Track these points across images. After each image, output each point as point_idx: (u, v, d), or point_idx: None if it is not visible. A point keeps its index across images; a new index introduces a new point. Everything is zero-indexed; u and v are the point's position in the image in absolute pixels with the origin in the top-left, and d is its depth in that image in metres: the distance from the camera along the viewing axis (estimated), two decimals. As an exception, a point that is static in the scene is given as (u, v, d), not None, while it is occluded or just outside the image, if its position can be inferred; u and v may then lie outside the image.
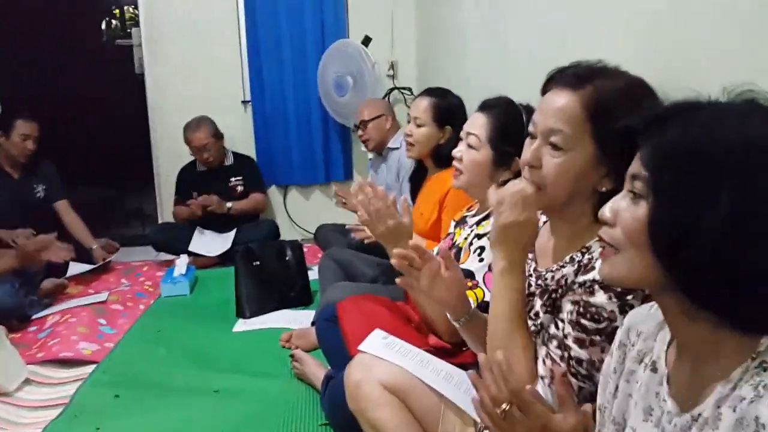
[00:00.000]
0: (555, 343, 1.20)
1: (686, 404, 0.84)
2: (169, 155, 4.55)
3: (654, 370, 0.93)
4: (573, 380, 1.16)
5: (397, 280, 1.46)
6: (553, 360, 1.19)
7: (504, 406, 0.98)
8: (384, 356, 1.68)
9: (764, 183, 0.73)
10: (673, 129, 0.79)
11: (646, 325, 0.98)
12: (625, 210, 0.83)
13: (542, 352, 1.23)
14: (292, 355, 2.55)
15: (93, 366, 2.73)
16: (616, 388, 1.00)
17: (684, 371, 0.86)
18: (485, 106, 1.89)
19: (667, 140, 0.79)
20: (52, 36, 4.80)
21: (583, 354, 1.15)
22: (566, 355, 1.16)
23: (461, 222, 2.01)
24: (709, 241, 0.73)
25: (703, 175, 0.75)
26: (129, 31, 4.76)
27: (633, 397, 0.96)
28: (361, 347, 1.74)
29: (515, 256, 1.25)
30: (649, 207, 0.79)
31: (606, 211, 0.87)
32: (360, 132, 3.57)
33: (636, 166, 0.82)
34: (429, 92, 2.72)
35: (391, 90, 4.56)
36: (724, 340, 0.79)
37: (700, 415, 0.80)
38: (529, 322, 1.30)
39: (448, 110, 2.60)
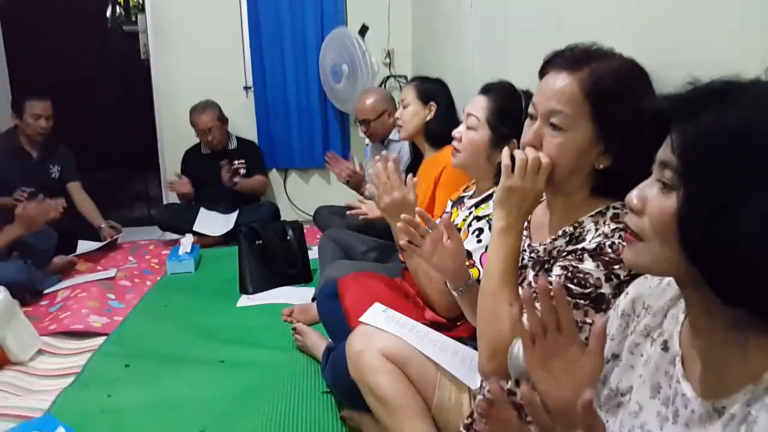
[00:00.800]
0: None
1: (705, 391, 0.80)
2: (174, 139, 4.63)
3: (665, 348, 0.89)
4: None
5: (401, 242, 1.53)
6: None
7: None
8: (384, 327, 1.74)
9: None
10: (710, 113, 0.70)
11: (655, 299, 0.95)
12: (653, 199, 0.77)
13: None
14: (294, 328, 2.62)
15: (103, 338, 2.80)
16: (615, 355, 0.99)
17: (703, 358, 0.81)
18: (486, 89, 1.93)
19: (703, 125, 0.71)
20: (58, 23, 4.86)
21: None
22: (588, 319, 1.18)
23: (458, 202, 2.05)
24: (746, 239, 0.66)
25: (742, 165, 0.67)
26: (134, 18, 4.82)
27: (636, 370, 0.94)
28: (361, 319, 1.81)
29: (514, 218, 1.28)
30: (680, 199, 0.72)
31: (633, 198, 0.80)
32: (363, 128, 3.53)
33: (666, 153, 0.75)
34: (412, 79, 2.95)
35: (388, 78, 4.65)
36: (752, 337, 0.73)
37: (724, 408, 0.76)
38: (521, 292, 1.32)
39: (429, 88, 2.74)
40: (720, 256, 0.69)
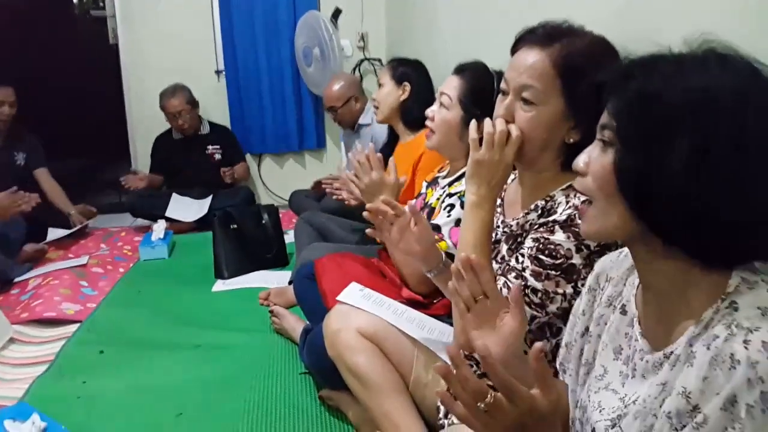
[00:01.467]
0: (513, 274, 1.26)
1: (658, 343, 0.87)
2: (144, 124, 4.56)
3: (623, 312, 0.96)
4: (526, 308, 1.22)
5: (368, 231, 1.54)
6: (509, 288, 1.23)
7: (488, 398, 0.82)
8: (361, 306, 1.76)
9: (720, 125, 0.76)
10: (637, 80, 0.82)
11: (615, 270, 1.02)
12: (595, 158, 0.86)
13: (500, 281, 1.27)
14: (271, 311, 2.61)
15: (76, 325, 2.77)
16: (587, 330, 1.04)
17: (653, 313, 0.89)
18: (459, 69, 1.95)
19: (631, 90, 0.82)
20: (24, 7, 4.76)
21: (538, 285, 1.22)
22: (522, 284, 1.23)
23: (433, 182, 2.08)
24: (671, 182, 0.77)
25: (663, 121, 0.78)
26: (101, 3, 4.73)
27: (602, 339, 0.99)
28: (338, 298, 1.81)
29: (483, 191, 1.30)
30: (616, 154, 0.83)
31: (579, 161, 0.89)
32: (331, 115, 3.55)
33: (605, 117, 0.86)
34: (389, 61, 2.99)
35: (362, 61, 4.63)
36: (693, 281, 0.82)
37: (672, 353, 0.83)
38: (495, 266, 1.36)
39: (404, 69, 2.75)
40: (652, 199, 0.80)
